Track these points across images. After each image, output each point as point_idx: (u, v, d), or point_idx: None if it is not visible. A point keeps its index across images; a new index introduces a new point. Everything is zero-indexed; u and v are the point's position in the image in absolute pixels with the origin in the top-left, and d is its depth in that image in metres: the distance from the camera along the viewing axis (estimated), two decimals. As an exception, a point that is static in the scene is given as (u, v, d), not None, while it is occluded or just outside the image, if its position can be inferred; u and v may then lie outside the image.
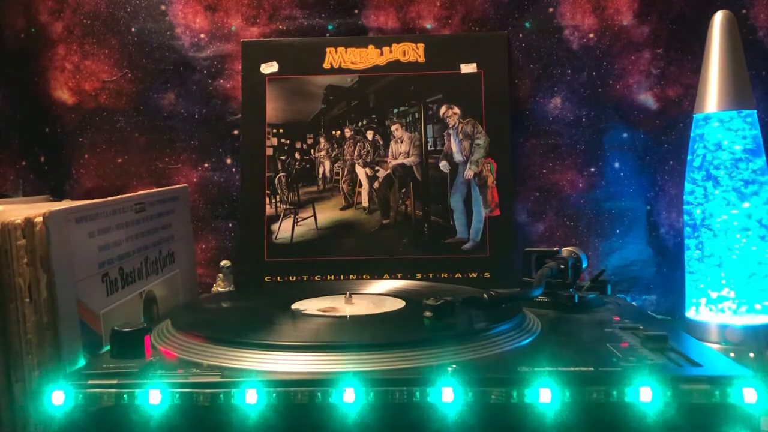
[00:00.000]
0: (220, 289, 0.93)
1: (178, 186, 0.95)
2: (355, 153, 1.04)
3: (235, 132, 1.06)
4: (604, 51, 1.02)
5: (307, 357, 0.56)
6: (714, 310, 0.83)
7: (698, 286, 0.85)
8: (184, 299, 0.89)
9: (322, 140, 1.04)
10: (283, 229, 1.02)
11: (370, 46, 1.04)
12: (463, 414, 0.52)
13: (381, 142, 1.04)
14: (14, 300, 0.60)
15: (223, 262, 0.94)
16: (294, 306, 0.74)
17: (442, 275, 0.99)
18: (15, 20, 1.08)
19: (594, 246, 1.03)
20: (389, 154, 1.04)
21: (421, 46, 1.04)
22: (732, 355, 0.78)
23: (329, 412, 0.52)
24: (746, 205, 0.82)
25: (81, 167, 1.07)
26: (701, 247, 0.84)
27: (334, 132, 1.04)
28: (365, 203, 1.03)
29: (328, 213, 1.03)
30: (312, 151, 1.04)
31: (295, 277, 1.00)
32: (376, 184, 1.04)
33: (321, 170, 1.04)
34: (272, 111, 1.04)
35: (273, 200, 1.03)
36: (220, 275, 0.94)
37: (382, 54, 1.04)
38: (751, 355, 0.79)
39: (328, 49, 1.04)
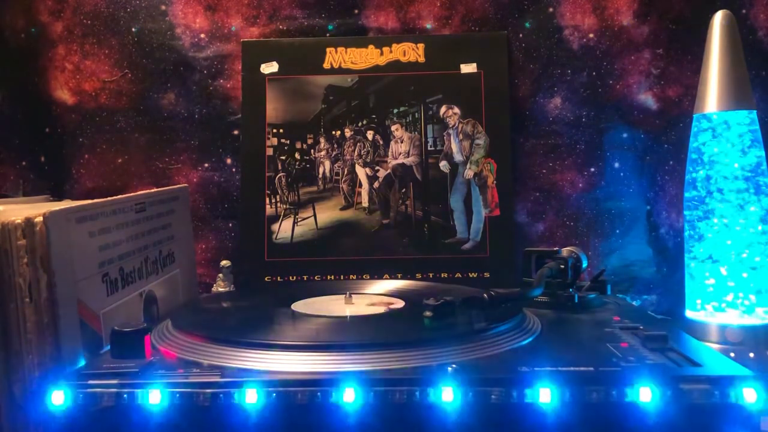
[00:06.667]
0: (220, 289, 0.93)
1: (178, 186, 0.95)
2: (355, 153, 1.04)
3: (235, 132, 1.06)
4: (604, 51, 1.02)
5: (307, 357, 0.56)
6: (714, 310, 0.83)
7: (698, 285, 0.85)
8: (184, 299, 0.89)
9: (322, 140, 1.04)
10: (283, 229, 1.02)
11: (370, 46, 1.04)
12: (463, 414, 0.52)
13: (381, 142, 1.04)
14: (14, 300, 0.60)
15: (223, 262, 0.94)
16: (294, 306, 0.74)
17: (442, 275, 0.99)
18: (15, 20, 1.07)
19: (594, 246, 1.03)
20: (389, 154, 1.04)
21: (421, 46, 1.04)
22: (732, 355, 0.78)
23: (329, 412, 0.52)
24: (746, 204, 0.82)
25: (81, 167, 1.07)
26: (701, 247, 0.84)
27: (334, 132, 1.04)
28: (365, 203, 1.03)
29: (328, 213, 1.03)
30: (312, 151, 1.04)
31: (295, 277, 1.00)
32: (376, 184, 1.04)
33: (321, 170, 1.04)
34: (272, 111, 1.04)
35: (273, 200, 1.03)
36: (220, 275, 0.94)
37: (382, 54, 1.04)
38: (751, 355, 0.79)
39: (328, 49, 1.04)
